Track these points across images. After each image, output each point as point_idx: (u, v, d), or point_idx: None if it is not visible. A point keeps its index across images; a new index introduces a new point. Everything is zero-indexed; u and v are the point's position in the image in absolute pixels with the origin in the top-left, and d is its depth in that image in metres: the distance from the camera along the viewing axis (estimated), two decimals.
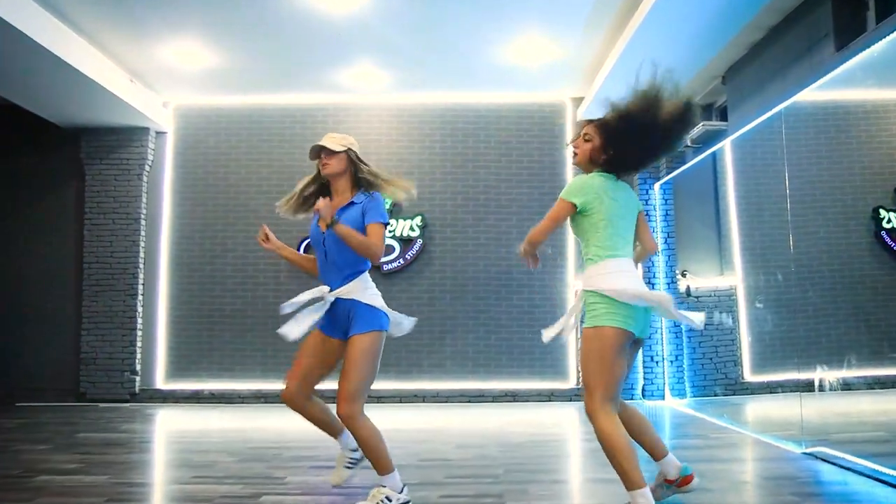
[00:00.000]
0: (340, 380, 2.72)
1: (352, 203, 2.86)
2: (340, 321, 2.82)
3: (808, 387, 5.35)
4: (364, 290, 2.81)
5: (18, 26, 4.48)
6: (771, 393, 6.43)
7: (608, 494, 3.12)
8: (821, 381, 5.37)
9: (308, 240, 6.69)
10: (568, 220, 2.78)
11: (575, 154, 2.85)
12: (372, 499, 2.72)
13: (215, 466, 3.81)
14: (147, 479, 3.69)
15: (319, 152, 2.91)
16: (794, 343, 5.64)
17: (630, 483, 2.43)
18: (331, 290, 2.81)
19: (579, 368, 2.58)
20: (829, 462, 3.76)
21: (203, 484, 3.40)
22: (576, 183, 2.71)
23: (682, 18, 4.67)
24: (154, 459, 4.31)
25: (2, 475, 3.58)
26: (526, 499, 3.08)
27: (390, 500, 2.70)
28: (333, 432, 2.98)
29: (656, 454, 2.79)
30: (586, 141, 2.81)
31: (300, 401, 2.85)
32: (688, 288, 6.69)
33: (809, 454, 3.99)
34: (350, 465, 3.02)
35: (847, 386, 5.44)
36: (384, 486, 2.73)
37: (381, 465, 2.74)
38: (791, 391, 5.27)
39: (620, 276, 2.59)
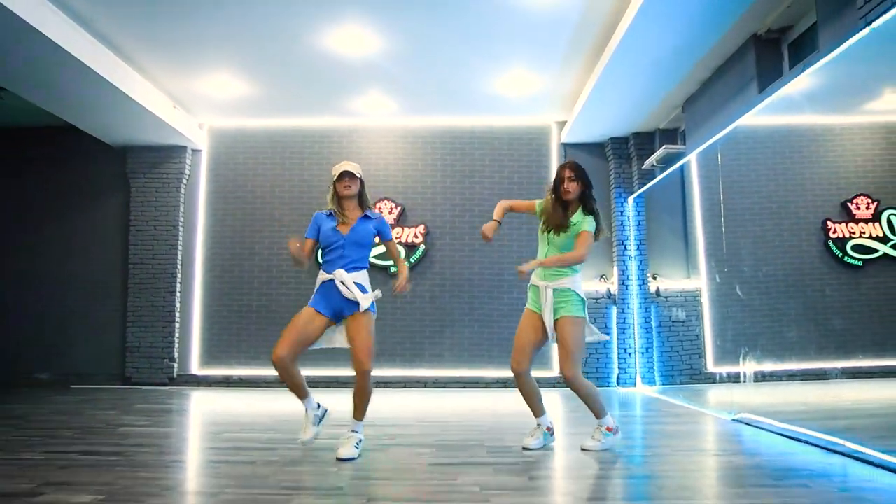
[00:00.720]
0: (355, 346, 3.52)
1: (366, 216, 3.69)
2: (336, 303, 3.53)
3: (759, 377, 6.22)
4: (366, 280, 3.65)
5: (80, 57, 5.35)
6: (732, 382, 7.31)
7: (563, 437, 4.04)
8: (767, 371, 6.25)
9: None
10: (564, 239, 3.70)
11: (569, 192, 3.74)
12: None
13: (256, 425, 4.75)
14: (207, 430, 4.63)
15: (345, 175, 3.67)
16: (752, 339, 6.47)
17: (603, 412, 3.62)
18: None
19: (572, 348, 3.50)
20: (750, 425, 4.67)
21: (251, 432, 4.34)
22: (590, 220, 3.69)
23: (641, 58, 5.57)
24: (205, 420, 5.25)
25: (94, 427, 4.53)
26: (502, 443, 4.00)
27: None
28: (302, 395, 3.64)
29: (537, 413, 3.80)
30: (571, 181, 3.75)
31: (288, 364, 3.50)
32: (658, 289, 7.61)
33: (737, 419, 4.90)
34: (317, 423, 3.68)
35: (797, 376, 6.31)
36: None
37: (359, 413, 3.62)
38: (746, 381, 6.10)
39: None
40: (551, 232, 3.72)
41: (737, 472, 3.26)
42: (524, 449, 3.71)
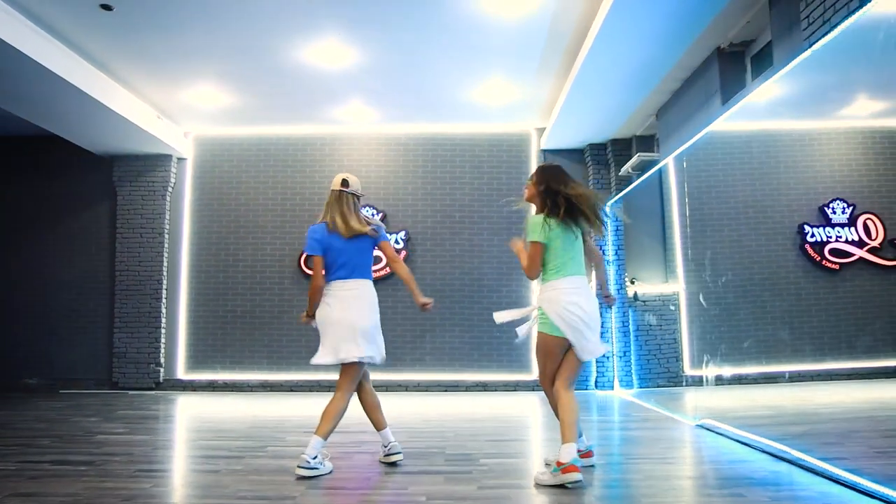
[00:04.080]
0: None
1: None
2: None
3: (730, 380, 6.32)
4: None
5: (62, 74, 5.50)
6: (704, 385, 7.41)
7: (531, 444, 4.16)
8: (744, 374, 6.36)
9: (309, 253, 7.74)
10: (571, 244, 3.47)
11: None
12: None
13: (231, 431, 4.88)
14: (181, 437, 4.77)
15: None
16: (727, 342, 6.56)
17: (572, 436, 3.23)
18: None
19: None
20: (712, 431, 4.79)
21: (223, 440, 4.47)
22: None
23: (610, 68, 5.63)
24: (183, 426, 5.39)
25: (69, 435, 4.67)
26: (463, 449, 4.12)
27: None
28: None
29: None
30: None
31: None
32: (636, 293, 7.73)
33: (700, 425, 5.02)
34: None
35: (773, 379, 6.42)
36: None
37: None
38: (721, 384, 6.21)
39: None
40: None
41: (680, 482, 3.38)
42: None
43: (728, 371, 6.36)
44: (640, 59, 5.41)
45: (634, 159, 6.93)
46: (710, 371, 6.15)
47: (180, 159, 8.05)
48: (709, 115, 5.36)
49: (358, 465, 3.74)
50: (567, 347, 3.39)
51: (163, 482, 3.39)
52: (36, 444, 4.33)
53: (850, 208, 6.60)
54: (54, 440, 4.45)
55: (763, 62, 4.96)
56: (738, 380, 6.61)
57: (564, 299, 3.33)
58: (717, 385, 6.03)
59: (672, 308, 7.73)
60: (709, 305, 6.63)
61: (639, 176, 7.25)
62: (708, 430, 4.83)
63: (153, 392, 7.58)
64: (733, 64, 5.13)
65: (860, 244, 6.44)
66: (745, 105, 4.81)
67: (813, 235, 6.75)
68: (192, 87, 6.66)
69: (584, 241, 3.54)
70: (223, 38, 5.56)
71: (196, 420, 5.85)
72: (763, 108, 5.05)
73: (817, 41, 3.41)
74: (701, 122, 5.46)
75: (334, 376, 3.60)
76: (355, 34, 5.50)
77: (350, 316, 3.50)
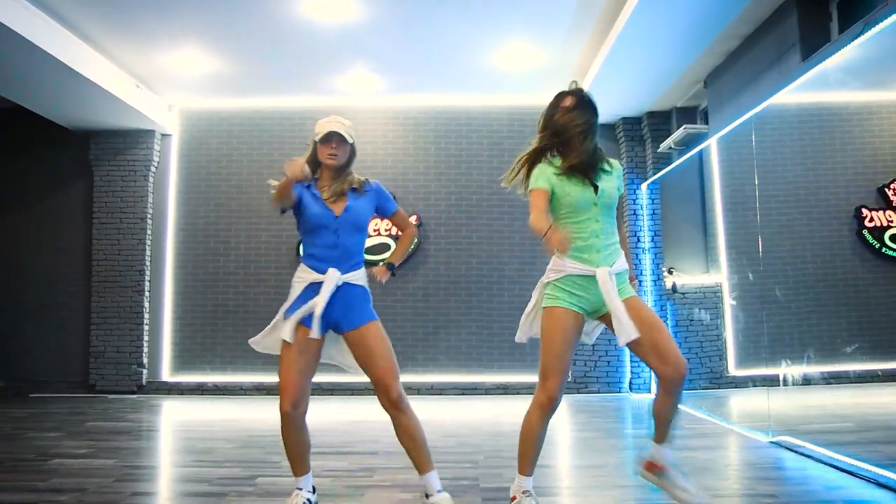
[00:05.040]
0: (376, 367, 2.64)
1: (354, 189, 2.83)
2: (335, 311, 2.66)
3: (787, 381, 5.56)
4: (365, 277, 2.78)
5: (27, 36, 4.74)
6: (755, 386, 6.65)
7: (576, 478, 3.36)
8: (804, 375, 5.59)
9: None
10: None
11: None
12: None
13: (215, 452, 4.08)
14: (151, 463, 3.97)
15: (332, 137, 2.72)
16: (779, 339, 5.84)
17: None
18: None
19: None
20: (792, 451, 3.99)
21: (203, 467, 3.67)
22: None
23: (659, 26, 4.88)
24: (158, 446, 4.59)
25: (18, 459, 3.86)
26: (499, 482, 3.32)
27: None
28: (302, 469, 2.76)
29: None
30: None
31: (299, 416, 2.65)
32: (674, 285, 6.92)
33: (775, 442, 4.22)
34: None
35: (834, 379, 5.66)
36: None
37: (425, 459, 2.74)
38: (772, 385, 5.48)
39: None
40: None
41: None
42: None
43: (787, 372, 5.58)
44: (701, 9, 4.57)
45: (679, 132, 6.09)
46: (772, 370, 5.38)
47: (164, 135, 7.20)
48: (781, 77, 4.52)
49: None
50: None
51: None
52: None
53: None
54: None
55: (854, 10, 4.11)
56: (795, 382, 5.86)
57: None
58: (771, 387, 5.25)
59: (715, 299, 6.93)
60: (762, 297, 5.83)
61: (681, 153, 6.41)
62: (787, 448, 4.02)
63: (135, 396, 6.77)
64: (816, 12, 4.28)
65: None
66: (829, 66, 3.98)
67: (871, 220, 6.02)
68: (172, 49, 5.80)
69: None
70: None
71: (177, 434, 5.06)
72: (841, 73, 4.23)
73: None
74: (770, 86, 4.62)
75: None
76: None
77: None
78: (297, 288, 2.71)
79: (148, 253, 7.04)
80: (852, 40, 3.71)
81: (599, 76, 5.86)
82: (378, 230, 6.88)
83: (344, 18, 5.21)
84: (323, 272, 2.68)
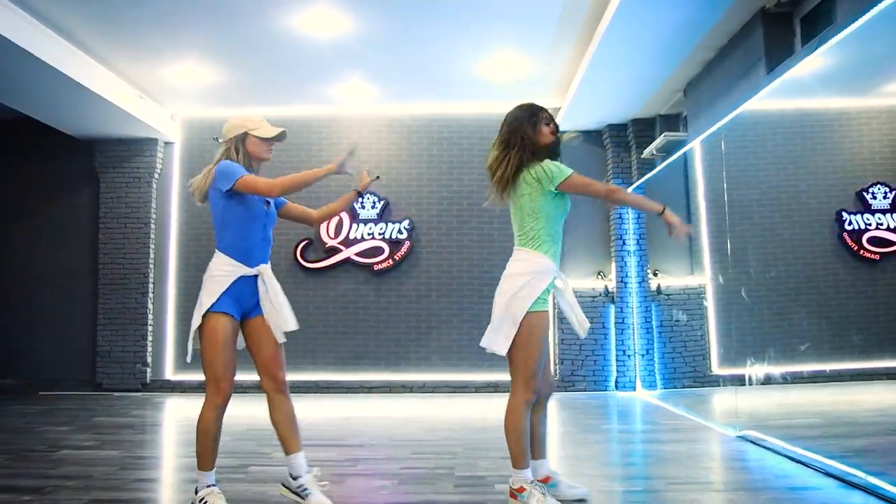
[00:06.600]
0: (267, 351, 2.85)
1: None
2: (246, 300, 2.81)
3: (762, 379, 5.76)
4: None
5: (35, 52, 5.03)
6: (741, 385, 6.85)
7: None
8: (781, 373, 5.79)
9: (305, 240, 7.18)
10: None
11: None
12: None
13: None
14: (153, 454, 4.23)
15: (283, 138, 3.00)
16: (759, 339, 6.02)
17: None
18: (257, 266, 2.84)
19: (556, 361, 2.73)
20: (757, 444, 4.20)
21: (190, 459, 3.92)
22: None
23: (639, 34, 5.03)
24: (160, 439, 4.85)
25: (29, 450, 4.13)
26: (474, 471, 3.56)
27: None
28: (209, 464, 2.79)
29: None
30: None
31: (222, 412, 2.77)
32: (658, 286, 7.13)
33: (742, 437, 4.44)
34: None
35: (809, 378, 5.84)
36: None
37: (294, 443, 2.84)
38: (751, 384, 5.66)
39: None
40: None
41: None
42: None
43: (762, 371, 5.78)
44: (672, 23, 4.79)
45: (660, 139, 6.31)
46: (748, 370, 5.58)
47: (167, 143, 7.48)
48: (750, 87, 4.74)
49: (353, 491, 3.19)
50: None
51: None
52: None
53: (893, 193, 6.03)
54: (8, 458, 3.91)
55: (815, 25, 4.32)
56: (771, 380, 6.06)
57: None
58: (749, 385, 5.45)
59: (699, 300, 7.14)
60: (744, 298, 6.03)
61: (663, 158, 6.63)
62: (752, 442, 4.24)
63: (139, 394, 7.05)
64: (780, 27, 4.50)
65: None
66: (790, 77, 4.20)
67: (851, 223, 6.19)
68: (174, 62, 6.07)
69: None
70: (200, 4, 4.98)
71: (177, 429, 5.32)
72: (812, 80, 4.44)
73: None
74: (740, 95, 4.84)
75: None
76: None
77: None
78: (221, 281, 2.75)
79: (152, 256, 7.31)
80: (807, 55, 3.94)
81: (585, 83, 6.06)
82: (372, 234, 7.14)
83: (338, 32, 5.46)
84: (251, 265, 2.80)
